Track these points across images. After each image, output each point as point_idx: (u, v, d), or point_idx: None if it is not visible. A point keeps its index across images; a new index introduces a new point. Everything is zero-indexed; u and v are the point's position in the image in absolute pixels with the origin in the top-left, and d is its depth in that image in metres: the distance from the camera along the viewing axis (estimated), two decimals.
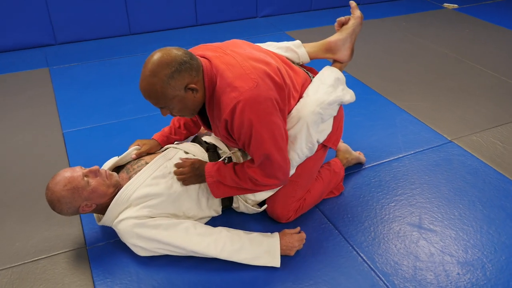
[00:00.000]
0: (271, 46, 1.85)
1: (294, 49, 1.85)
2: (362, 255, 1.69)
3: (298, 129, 1.66)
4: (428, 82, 3.05)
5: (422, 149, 2.31)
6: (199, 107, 1.55)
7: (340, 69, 1.89)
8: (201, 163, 1.71)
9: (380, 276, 1.60)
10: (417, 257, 1.68)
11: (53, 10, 3.42)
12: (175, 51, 1.43)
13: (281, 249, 1.63)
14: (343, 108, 1.90)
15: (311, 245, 1.74)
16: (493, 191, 2.02)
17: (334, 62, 1.90)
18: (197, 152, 1.78)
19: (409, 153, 2.28)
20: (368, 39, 3.77)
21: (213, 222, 1.80)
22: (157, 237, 1.58)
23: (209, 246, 1.59)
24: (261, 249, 1.61)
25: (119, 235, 1.64)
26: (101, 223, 1.68)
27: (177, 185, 1.66)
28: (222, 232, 1.64)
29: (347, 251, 1.71)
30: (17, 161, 2.22)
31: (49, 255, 1.69)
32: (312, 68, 1.93)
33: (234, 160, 1.78)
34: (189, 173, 1.70)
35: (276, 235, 1.67)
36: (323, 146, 1.81)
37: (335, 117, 1.80)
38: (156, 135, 1.89)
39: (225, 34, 3.80)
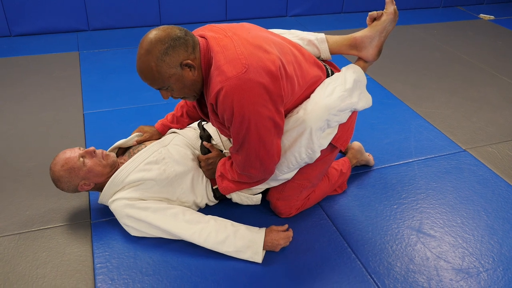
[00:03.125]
0: (293, 34, 1.75)
1: (316, 44, 1.72)
2: (356, 253, 1.69)
3: (300, 132, 1.58)
4: (451, 91, 2.99)
5: (433, 156, 2.27)
6: (199, 87, 1.49)
7: (364, 69, 1.74)
8: (217, 158, 1.75)
9: (372, 275, 1.60)
10: (411, 259, 1.67)
11: None
12: (169, 28, 1.39)
13: (266, 245, 1.65)
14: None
15: (306, 239, 1.75)
16: (501, 202, 1.98)
17: (358, 60, 1.76)
18: (193, 139, 1.83)
19: (420, 158, 2.25)
20: (395, 44, 3.74)
21: (209, 210, 1.84)
22: (145, 219, 1.64)
23: (194, 234, 1.63)
24: (244, 244, 1.63)
25: (114, 214, 1.71)
26: (99, 201, 1.76)
27: (170, 171, 1.70)
28: (210, 222, 1.67)
29: (342, 248, 1.72)
30: (38, 137, 2.33)
31: (55, 225, 1.78)
32: (332, 63, 1.81)
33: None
34: (204, 168, 1.77)
35: (262, 231, 1.68)
36: (331, 146, 1.73)
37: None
38: (158, 124, 1.95)
39: None
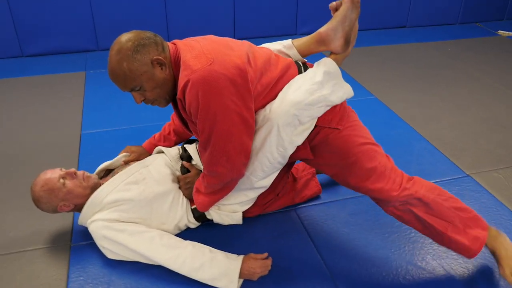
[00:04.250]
0: (264, 45, 1.71)
1: (285, 51, 1.67)
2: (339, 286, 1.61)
3: (267, 131, 1.52)
4: (460, 111, 2.87)
5: (434, 181, 2.13)
6: (171, 87, 1.48)
7: (336, 61, 1.61)
8: (194, 177, 1.73)
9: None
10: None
11: (97, 17, 3.65)
12: (138, 31, 1.44)
13: (242, 273, 1.59)
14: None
15: (288, 268, 1.68)
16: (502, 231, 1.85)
17: (331, 54, 1.65)
18: (174, 159, 1.81)
19: None
20: (404, 63, 3.64)
21: (192, 234, 1.79)
22: (122, 241, 1.61)
23: (170, 259, 1.59)
24: (220, 271, 1.57)
25: (92, 235, 1.68)
26: (79, 222, 1.74)
27: (149, 191, 1.68)
28: (187, 247, 1.62)
29: (325, 279, 1.64)
30: (32, 156, 2.36)
31: (36, 247, 1.77)
32: (308, 63, 1.71)
33: None
34: (182, 187, 1.76)
35: (240, 258, 1.62)
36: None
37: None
38: (146, 143, 1.94)
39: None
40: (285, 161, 1.61)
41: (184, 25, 3.87)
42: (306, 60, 1.69)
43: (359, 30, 1.61)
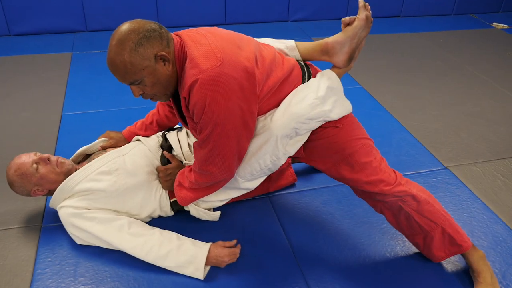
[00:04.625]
0: (267, 41, 1.68)
1: (286, 52, 1.65)
2: (306, 276, 1.61)
3: (264, 139, 1.50)
4: (446, 103, 2.86)
5: (410, 173, 2.16)
6: (172, 84, 1.41)
7: (339, 75, 1.61)
8: (176, 169, 1.70)
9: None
10: (360, 283, 1.58)
11: None
12: (143, 21, 1.33)
13: (210, 261, 1.60)
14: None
15: (257, 256, 1.69)
16: (474, 225, 1.85)
17: (333, 66, 1.64)
18: (154, 148, 1.78)
19: None
20: (396, 53, 3.61)
21: (163, 220, 1.80)
22: (89, 229, 1.61)
23: (136, 247, 1.59)
24: (186, 259, 1.58)
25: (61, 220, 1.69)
26: (50, 205, 1.74)
27: (121, 183, 1.66)
28: (155, 235, 1.62)
29: (293, 269, 1.64)
30: (10, 137, 2.35)
31: (6, 228, 1.77)
32: (311, 64, 1.69)
33: None
34: (162, 179, 1.72)
35: (207, 246, 1.62)
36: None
37: None
38: (125, 130, 1.91)
39: (253, 35, 3.79)
40: (275, 169, 1.60)
41: (174, 9, 3.83)
42: (310, 62, 1.66)
43: None
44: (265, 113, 1.52)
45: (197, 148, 1.50)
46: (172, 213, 1.81)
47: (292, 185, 2.06)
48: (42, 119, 2.51)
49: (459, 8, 4.55)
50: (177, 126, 1.94)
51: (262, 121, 1.51)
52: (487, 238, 1.80)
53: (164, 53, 1.32)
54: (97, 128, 2.41)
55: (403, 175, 1.69)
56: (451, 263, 1.69)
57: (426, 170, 2.19)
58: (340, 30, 1.56)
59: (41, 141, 2.31)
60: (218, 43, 1.36)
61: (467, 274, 1.64)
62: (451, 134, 2.51)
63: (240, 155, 1.49)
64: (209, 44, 1.35)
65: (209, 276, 1.60)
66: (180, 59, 1.37)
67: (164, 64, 1.35)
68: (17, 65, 3.16)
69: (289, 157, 1.69)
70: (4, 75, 3.01)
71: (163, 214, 1.80)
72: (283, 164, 2.02)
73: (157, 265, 1.59)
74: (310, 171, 2.15)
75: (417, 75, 3.25)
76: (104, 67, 3.09)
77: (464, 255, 1.63)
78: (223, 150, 1.43)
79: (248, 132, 1.45)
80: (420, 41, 3.88)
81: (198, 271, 1.57)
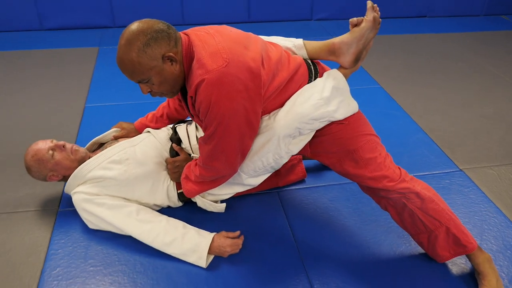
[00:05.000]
0: (272, 40, 1.70)
1: (294, 50, 1.66)
2: (308, 272, 1.63)
3: (267, 138, 1.54)
4: (466, 105, 2.80)
5: (423, 174, 2.14)
6: (179, 83, 1.46)
7: (345, 75, 1.62)
8: (183, 161, 1.75)
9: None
10: (362, 280, 1.59)
11: None
12: (152, 21, 1.37)
13: (213, 250, 1.64)
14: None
15: (260, 249, 1.72)
16: (485, 228, 1.82)
17: (340, 67, 1.65)
18: (164, 141, 1.84)
19: None
20: (418, 53, 3.56)
21: (171, 209, 1.85)
22: (100, 214, 1.68)
23: (143, 233, 1.65)
24: (190, 247, 1.63)
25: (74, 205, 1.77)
26: (65, 191, 1.82)
27: (131, 173, 1.72)
28: (161, 222, 1.68)
29: (296, 265, 1.67)
30: (34, 126, 2.46)
31: (25, 210, 1.87)
32: (319, 62, 1.69)
33: None
34: (170, 170, 1.78)
35: (210, 236, 1.66)
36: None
37: None
38: (137, 122, 1.98)
39: (275, 33, 3.82)
40: (278, 167, 1.63)
41: (199, 6, 3.90)
42: (318, 61, 1.67)
43: (381, 18, 1.56)
44: (269, 112, 1.54)
45: (202, 144, 1.54)
46: (180, 203, 1.86)
47: (302, 181, 2.08)
48: (66, 110, 2.62)
49: (489, 9, 4.43)
50: (188, 118, 1.99)
51: (266, 121, 1.54)
52: (496, 242, 1.77)
53: (171, 53, 1.36)
54: (117, 120, 2.47)
55: (416, 175, 1.69)
56: (457, 265, 1.67)
57: (440, 172, 2.17)
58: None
59: (64, 130, 2.41)
60: (225, 43, 1.39)
61: (473, 277, 1.62)
62: (468, 136, 2.47)
63: (243, 152, 1.53)
64: (216, 45, 1.38)
65: (212, 265, 1.64)
66: (188, 58, 1.41)
67: (172, 64, 1.39)
68: (47, 58, 3.30)
69: (299, 154, 1.72)
70: (35, 67, 3.15)
71: (171, 204, 1.85)
72: (293, 160, 2.07)
73: (163, 251, 1.65)
74: (320, 168, 2.16)
75: (438, 76, 3.20)
76: None
77: (469, 257, 1.61)
78: (226, 147, 1.47)
79: (251, 131, 1.48)
80: (445, 42, 3.81)
81: (201, 259, 1.62)
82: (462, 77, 3.18)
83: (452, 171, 2.18)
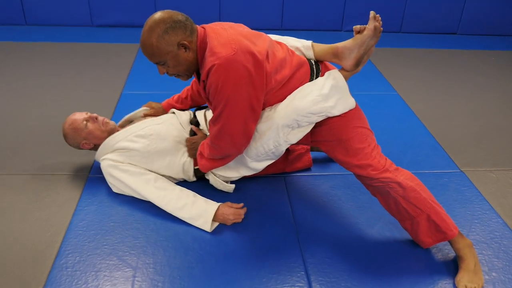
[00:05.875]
0: (284, 40, 1.89)
1: (302, 50, 1.85)
2: (302, 249, 1.80)
3: (267, 127, 1.73)
4: (477, 115, 2.91)
5: (423, 171, 2.27)
6: (192, 68, 1.68)
7: (345, 77, 1.81)
8: (200, 139, 1.97)
9: (310, 275, 1.70)
10: (352, 264, 1.74)
11: None
12: (173, 12, 1.60)
13: (217, 217, 1.85)
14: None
15: (261, 222, 1.91)
16: (475, 223, 1.94)
17: (342, 68, 1.85)
18: (185, 123, 2.08)
19: None
20: (441, 66, 3.68)
21: (186, 186, 2.04)
22: (123, 179, 1.93)
23: (158, 198, 1.89)
24: (197, 213, 1.84)
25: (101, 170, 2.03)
26: (95, 158, 2.09)
27: (153, 147, 1.96)
28: (175, 190, 1.91)
29: (291, 239, 1.84)
30: (78, 106, 2.77)
31: (61, 173, 2.15)
32: (325, 63, 1.86)
33: None
34: (188, 147, 2.01)
35: (216, 204, 1.87)
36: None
37: None
38: (164, 102, 2.24)
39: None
40: (279, 154, 1.83)
41: (235, 12, 4.17)
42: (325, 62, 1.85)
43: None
44: (271, 105, 1.75)
45: (211, 124, 1.76)
46: (194, 178, 2.08)
47: (308, 169, 2.26)
48: (105, 94, 2.94)
49: None
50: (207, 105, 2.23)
51: (267, 111, 1.75)
52: (483, 234, 1.88)
53: (185, 42, 1.58)
54: None
55: (416, 172, 1.82)
56: (441, 251, 1.79)
57: (440, 171, 2.29)
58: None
59: (101, 110, 2.67)
60: (235, 36, 1.60)
61: (455, 263, 1.74)
62: (474, 142, 2.57)
63: (247, 135, 1.72)
64: (228, 37, 1.59)
65: (216, 231, 1.84)
66: (202, 47, 1.63)
67: (185, 51, 1.61)
68: (94, 51, 3.67)
69: (302, 144, 1.91)
70: (82, 58, 3.52)
71: (186, 178, 2.07)
72: (301, 150, 2.26)
73: (174, 214, 1.87)
74: (326, 160, 2.33)
75: (455, 88, 3.31)
76: None
77: (451, 243, 1.73)
78: (231, 128, 1.68)
79: (254, 115, 1.68)
80: (470, 58, 3.90)
81: (206, 224, 1.83)
82: (478, 90, 3.28)
83: (453, 172, 2.29)
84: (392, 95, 3.12)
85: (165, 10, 1.62)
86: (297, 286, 1.61)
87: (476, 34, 4.48)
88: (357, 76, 1.86)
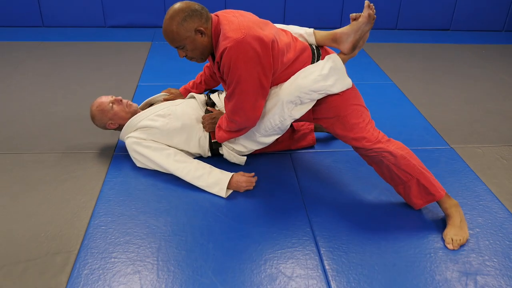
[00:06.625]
0: (288, 28, 2.13)
1: (305, 37, 2.08)
2: (309, 213, 2.03)
3: (273, 103, 1.97)
4: (470, 101, 3.13)
5: (416, 148, 2.48)
6: (207, 52, 1.91)
7: (343, 60, 2.04)
8: (219, 114, 2.21)
9: (318, 243, 1.92)
10: (356, 235, 1.93)
11: None
12: (190, 2, 1.82)
13: (231, 185, 2.08)
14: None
15: (271, 190, 2.14)
16: (462, 189, 2.16)
17: (340, 52, 2.04)
18: (202, 103, 2.31)
19: None
20: (436, 59, 3.92)
21: (202, 161, 2.30)
22: (146, 154, 2.16)
23: (178, 169, 2.11)
24: (214, 181, 2.07)
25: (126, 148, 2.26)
26: (119, 138, 2.33)
27: (171, 125, 2.18)
28: (193, 162, 2.13)
29: (298, 207, 2.07)
30: (96, 95, 2.99)
31: (89, 151, 2.38)
32: (325, 48, 2.08)
33: None
34: (207, 121, 2.23)
35: (230, 174, 2.09)
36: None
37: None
38: (182, 88, 2.49)
39: None
40: (284, 128, 2.06)
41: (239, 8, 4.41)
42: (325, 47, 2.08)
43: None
44: (277, 84, 1.99)
45: (225, 101, 2.00)
46: (209, 153, 2.30)
47: (311, 147, 2.49)
48: (123, 86, 3.18)
49: (510, 25, 4.71)
50: (219, 88, 2.47)
51: (274, 89, 1.98)
52: (469, 197, 2.10)
53: (201, 28, 1.82)
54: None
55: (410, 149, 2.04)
56: (431, 212, 2.01)
57: (432, 147, 2.51)
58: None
59: None
60: (245, 23, 1.82)
61: (443, 221, 1.96)
62: (465, 124, 2.80)
63: (258, 109, 1.94)
64: (238, 23, 1.82)
65: (230, 197, 2.07)
66: (216, 33, 1.87)
67: (202, 36, 1.85)
68: (109, 49, 3.91)
69: (305, 121, 2.14)
70: (99, 55, 3.77)
71: (201, 153, 2.30)
72: (305, 130, 2.49)
73: (193, 183, 2.09)
74: (329, 139, 2.56)
75: (449, 78, 3.54)
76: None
77: (439, 203, 1.95)
78: (243, 103, 1.91)
79: (263, 91, 1.90)
80: (463, 51, 4.14)
81: (222, 190, 2.05)
82: (472, 80, 3.51)
83: (443, 148, 2.52)
84: (388, 84, 3.35)
85: (184, 1, 1.86)
86: (303, 239, 1.83)
87: (467, 30, 4.73)
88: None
